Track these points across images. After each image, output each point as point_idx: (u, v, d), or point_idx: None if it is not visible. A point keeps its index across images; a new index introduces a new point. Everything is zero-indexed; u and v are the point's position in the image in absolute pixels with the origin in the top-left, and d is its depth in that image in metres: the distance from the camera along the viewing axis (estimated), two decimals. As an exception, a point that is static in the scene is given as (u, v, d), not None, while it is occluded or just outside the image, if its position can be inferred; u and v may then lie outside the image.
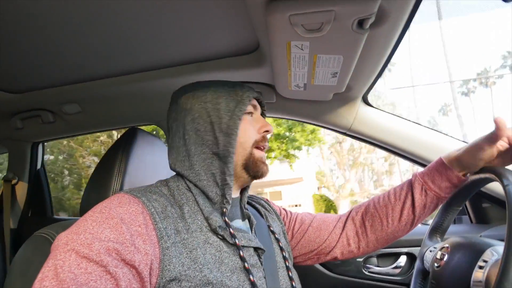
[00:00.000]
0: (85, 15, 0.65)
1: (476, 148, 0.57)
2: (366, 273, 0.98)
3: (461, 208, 0.67)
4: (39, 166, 1.41)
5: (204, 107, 0.57)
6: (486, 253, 0.50)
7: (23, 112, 1.12)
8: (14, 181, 1.34)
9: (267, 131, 0.61)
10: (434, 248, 0.65)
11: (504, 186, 0.47)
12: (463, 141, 0.89)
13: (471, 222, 1.01)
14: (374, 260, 0.99)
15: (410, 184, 0.66)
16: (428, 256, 0.65)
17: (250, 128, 0.60)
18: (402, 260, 0.97)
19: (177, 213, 0.50)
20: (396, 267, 0.97)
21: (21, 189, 1.36)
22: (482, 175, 0.57)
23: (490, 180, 0.57)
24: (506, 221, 0.43)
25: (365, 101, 0.94)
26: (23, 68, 0.88)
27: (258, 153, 0.60)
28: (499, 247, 0.51)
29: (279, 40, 0.62)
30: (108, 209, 0.44)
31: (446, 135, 0.91)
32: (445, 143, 0.89)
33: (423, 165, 0.93)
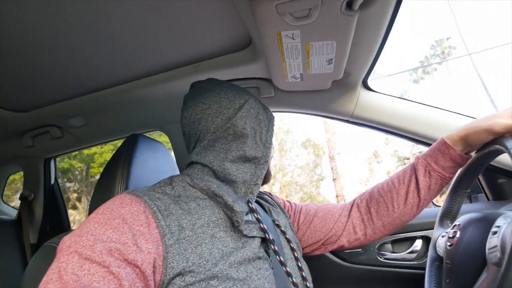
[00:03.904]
0: (80, 28, 0.66)
1: (488, 125, 0.55)
2: (382, 260, 0.96)
3: (469, 190, 0.65)
4: (52, 181, 1.45)
5: (251, 112, 0.60)
6: (498, 220, 0.49)
7: (33, 129, 1.16)
8: (30, 198, 1.38)
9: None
10: (446, 233, 0.63)
11: (508, 150, 0.46)
12: (471, 117, 0.86)
13: (488, 199, 0.98)
14: (389, 246, 0.98)
15: (413, 167, 0.66)
16: (440, 242, 0.63)
17: (274, 143, 0.67)
18: (418, 244, 0.95)
19: (182, 209, 0.50)
20: (412, 252, 0.94)
21: (38, 205, 1.40)
22: (486, 150, 0.56)
23: (494, 154, 0.55)
24: None
25: (366, 86, 0.93)
26: (27, 87, 0.90)
27: (270, 164, 0.67)
28: (511, 213, 0.50)
29: (269, 31, 0.62)
30: (110, 210, 0.45)
31: (452, 112, 0.88)
32: (451, 120, 0.87)
33: (430, 145, 0.91)
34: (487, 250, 0.47)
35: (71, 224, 1.57)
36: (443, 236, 0.63)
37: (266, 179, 0.67)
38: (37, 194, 1.39)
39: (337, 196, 9.44)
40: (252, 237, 0.53)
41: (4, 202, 1.65)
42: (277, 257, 0.53)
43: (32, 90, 0.92)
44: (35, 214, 1.40)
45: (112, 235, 0.41)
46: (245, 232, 0.51)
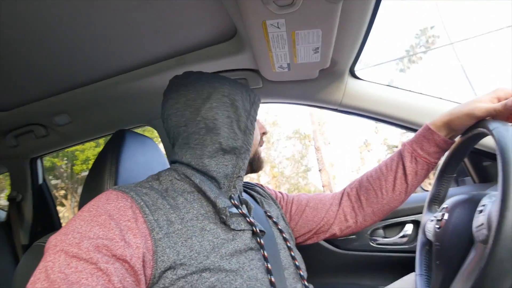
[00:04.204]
0: (62, 23, 0.64)
1: (469, 109, 0.56)
2: (374, 245, 0.98)
3: (455, 175, 0.66)
4: (40, 181, 1.42)
5: (223, 100, 0.57)
6: (483, 200, 0.50)
7: (16, 129, 1.12)
8: (18, 199, 1.35)
9: (264, 132, 0.69)
10: (434, 217, 0.64)
11: (490, 131, 0.47)
12: (455, 102, 0.87)
13: (474, 182, 1.01)
14: (381, 231, 1.00)
15: (400, 154, 0.67)
16: (429, 226, 0.64)
17: (257, 128, 0.66)
18: (408, 228, 0.97)
19: (170, 204, 0.49)
20: (403, 236, 0.97)
21: (27, 206, 1.38)
22: (469, 133, 0.57)
23: (478, 137, 0.56)
24: (497, 159, 0.42)
25: (353, 74, 0.93)
26: (8, 85, 0.87)
27: (260, 150, 0.67)
28: (496, 192, 0.51)
29: (253, 21, 0.61)
30: (96, 207, 0.44)
31: (437, 97, 0.89)
32: (437, 106, 0.88)
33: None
34: (474, 229, 0.48)
35: (62, 223, 1.55)
36: (431, 221, 0.63)
37: (255, 167, 0.66)
38: (26, 195, 1.37)
39: (323, 186, 9.63)
40: (242, 229, 0.52)
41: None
42: (261, 251, 0.52)
43: (13, 87, 0.89)
44: (25, 215, 1.37)
45: (99, 232, 0.41)
46: (232, 226, 0.51)
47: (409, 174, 0.65)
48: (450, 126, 0.60)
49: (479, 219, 0.47)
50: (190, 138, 0.57)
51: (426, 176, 0.66)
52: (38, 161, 1.40)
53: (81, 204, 0.69)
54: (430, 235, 0.62)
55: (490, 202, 0.48)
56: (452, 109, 0.60)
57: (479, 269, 0.38)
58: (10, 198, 1.36)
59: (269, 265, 0.51)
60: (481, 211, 0.48)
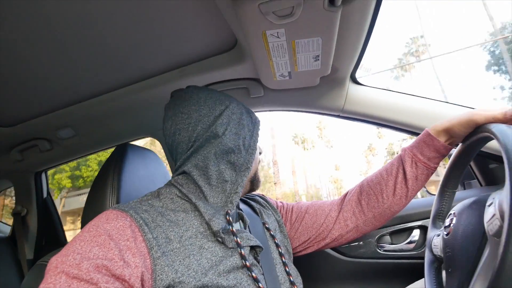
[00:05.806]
0: (63, 38, 0.65)
1: (469, 116, 0.57)
2: (381, 252, 0.96)
3: (457, 190, 0.65)
4: (45, 195, 1.43)
5: (232, 117, 0.60)
6: (491, 196, 0.49)
7: (21, 143, 1.13)
8: (23, 213, 1.35)
9: (260, 152, 0.70)
10: (440, 231, 0.62)
11: (489, 130, 0.48)
12: (459, 105, 0.87)
13: (481, 185, 0.99)
14: (387, 238, 0.98)
15: (400, 159, 0.67)
16: (436, 241, 0.62)
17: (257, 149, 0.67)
18: (416, 234, 0.95)
19: (169, 221, 0.50)
20: (410, 242, 0.95)
21: (32, 220, 1.37)
22: (469, 140, 0.57)
23: (478, 144, 0.56)
24: (504, 158, 0.41)
25: (354, 80, 0.93)
26: (12, 100, 0.88)
27: (258, 170, 0.69)
28: (503, 190, 0.50)
29: (253, 31, 0.62)
30: (96, 227, 0.45)
31: (443, 101, 0.89)
32: (442, 110, 0.88)
33: None
34: (485, 224, 0.46)
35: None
36: (438, 235, 0.62)
37: (254, 186, 0.67)
38: (30, 209, 1.37)
39: (276, 199, 10.00)
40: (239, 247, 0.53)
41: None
42: (249, 272, 0.51)
43: (17, 103, 0.90)
44: (30, 229, 1.37)
45: (99, 252, 0.41)
46: (230, 246, 0.52)
47: (410, 178, 0.65)
48: (450, 132, 0.61)
49: (489, 211, 0.46)
50: (199, 152, 0.57)
51: (425, 181, 0.66)
52: (43, 175, 1.41)
53: (83, 220, 0.69)
54: (437, 251, 0.60)
55: (498, 194, 0.47)
56: (452, 117, 0.61)
57: (496, 264, 0.36)
58: (14, 213, 1.36)
59: (261, 285, 0.51)
60: (490, 205, 0.47)
